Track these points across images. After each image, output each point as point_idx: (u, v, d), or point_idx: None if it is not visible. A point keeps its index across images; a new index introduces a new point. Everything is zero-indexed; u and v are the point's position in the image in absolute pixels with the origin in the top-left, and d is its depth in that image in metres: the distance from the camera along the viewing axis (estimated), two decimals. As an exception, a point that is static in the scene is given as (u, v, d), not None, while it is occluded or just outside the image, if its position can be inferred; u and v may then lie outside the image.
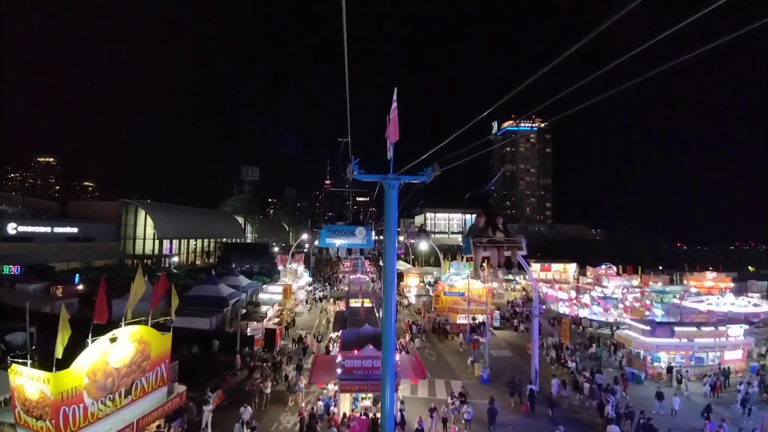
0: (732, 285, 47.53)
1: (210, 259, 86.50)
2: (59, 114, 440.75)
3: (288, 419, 19.84)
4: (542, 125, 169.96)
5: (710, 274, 50.90)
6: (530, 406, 21.21)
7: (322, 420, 18.71)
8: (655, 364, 26.59)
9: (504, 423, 19.53)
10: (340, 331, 24.76)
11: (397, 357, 18.70)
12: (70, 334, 11.98)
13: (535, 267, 59.18)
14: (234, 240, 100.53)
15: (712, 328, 27.60)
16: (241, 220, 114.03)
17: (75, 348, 11.95)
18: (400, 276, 53.94)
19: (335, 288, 61.38)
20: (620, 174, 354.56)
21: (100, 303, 13.03)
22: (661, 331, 26.74)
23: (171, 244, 79.29)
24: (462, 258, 52.90)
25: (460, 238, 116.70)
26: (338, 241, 12.48)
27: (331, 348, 28.10)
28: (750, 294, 43.46)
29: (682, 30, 4.84)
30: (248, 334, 29.90)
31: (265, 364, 25.69)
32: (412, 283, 54.63)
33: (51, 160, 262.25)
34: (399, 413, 17.97)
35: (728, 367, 26.05)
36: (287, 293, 41.41)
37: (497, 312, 40.70)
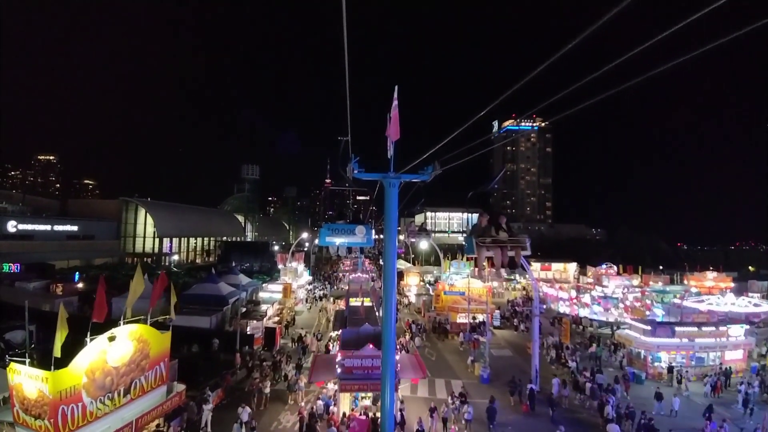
0: (732, 285, 47.46)
1: (210, 258, 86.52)
2: (60, 112, 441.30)
3: (287, 418, 19.80)
4: (543, 125, 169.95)
5: (711, 274, 50.81)
6: (530, 405, 21.17)
7: (321, 419, 18.67)
8: (656, 364, 26.54)
9: (504, 422, 19.49)
10: (340, 330, 24.72)
11: (397, 356, 18.66)
12: (69, 332, 11.95)
13: (536, 266, 59.10)
14: (234, 238, 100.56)
15: (713, 328, 27.55)
16: (241, 218, 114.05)
17: (74, 347, 11.91)
18: (401, 275, 53.88)
19: (335, 287, 61.33)
20: (620, 174, 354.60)
21: (99, 301, 12.99)
22: (662, 331, 26.69)
23: (171, 242, 79.32)
24: (462, 257, 52.88)
25: (460, 237, 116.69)
26: (338, 240, 12.44)
27: (330, 347, 28.06)
28: (750, 294, 43.40)
29: (682, 30, 4.80)
30: (248, 332, 29.86)
31: (264, 364, 25.65)
32: (412, 282, 54.58)
33: (51, 158, 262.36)
34: (399, 413, 17.93)
35: (729, 367, 26.00)
36: (287, 292, 41.35)
37: (497, 311, 40.64)
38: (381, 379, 11.08)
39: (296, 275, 50.71)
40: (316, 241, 55.58)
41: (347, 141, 11.62)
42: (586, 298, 40.48)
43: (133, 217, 75.82)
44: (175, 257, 77.78)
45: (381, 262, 17.09)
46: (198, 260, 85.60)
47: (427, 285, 55.42)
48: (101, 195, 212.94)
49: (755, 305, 37.67)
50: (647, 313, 34.92)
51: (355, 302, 31.66)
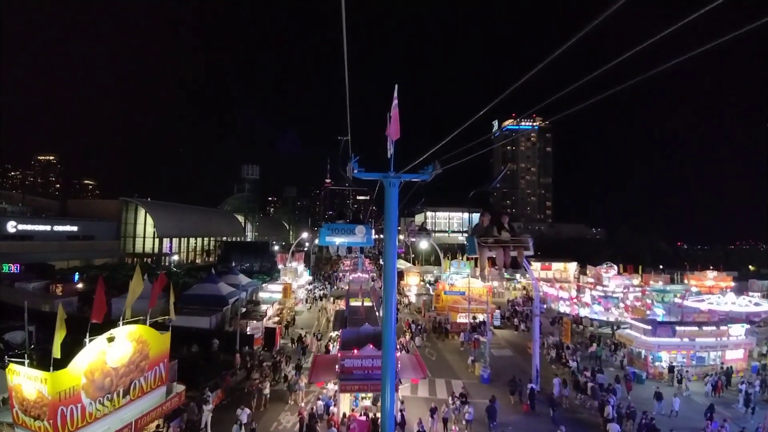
0: (733, 284, 47.43)
1: (210, 258, 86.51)
2: (60, 112, 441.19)
3: (288, 419, 19.76)
4: (543, 124, 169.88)
5: (711, 274, 50.76)
6: (531, 405, 21.14)
7: (321, 420, 18.64)
8: (657, 363, 26.51)
9: (505, 422, 19.44)
10: (340, 330, 24.68)
11: (397, 356, 18.62)
12: (69, 333, 11.92)
13: (536, 266, 59.00)
14: (234, 238, 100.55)
15: (714, 328, 27.52)
16: (241, 218, 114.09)
17: (74, 347, 11.89)
18: (401, 275, 53.84)
19: (335, 287, 61.29)
20: (620, 173, 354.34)
21: (98, 302, 12.95)
22: (663, 331, 26.65)
23: (171, 242, 79.30)
24: (463, 257, 52.82)
25: (460, 236, 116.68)
26: (338, 240, 12.40)
27: (330, 347, 28.02)
28: (751, 293, 43.36)
29: (682, 29, 4.77)
30: (248, 333, 29.82)
31: (264, 364, 25.61)
32: (412, 282, 54.54)
33: (51, 158, 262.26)
34: (399, 413, 17.89)
35: (731, 367, 25.97)
36: (287, 292, 41.32)
37: (498, 311, 40.61)
38: (381, 379, 11.03)
39: (296, 275, 50.68)
40: (316, 241, 55.58)
41: (347, 140, 11.57)
42: (586, 298, 40.44)
43: (133, 218, 75.80)
44: (175, 257, 77.75)
45: (381, 262, 17.07)
46: (198, 260, 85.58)
47: (428, 285, 55.38)
48: (101, 195, 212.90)
49: (756, 304, 37.62)
50: (648, 312, 34.87)
51: (355, 302, 31.61)
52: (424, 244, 69.04)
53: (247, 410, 18.32)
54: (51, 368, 11.04)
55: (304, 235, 73.13)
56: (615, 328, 34.71)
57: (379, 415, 15.79)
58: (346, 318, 28.72)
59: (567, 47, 5.42)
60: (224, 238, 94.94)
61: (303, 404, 20.59)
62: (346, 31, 5.80)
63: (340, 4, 5.22)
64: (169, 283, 17.42)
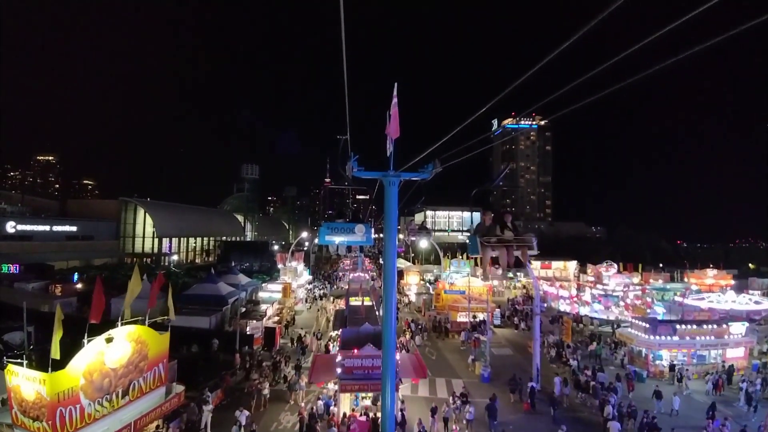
0: (733, 282, 47.38)
1: (210, 258, 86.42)
2: (59, 112, 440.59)
3: (288, 419, 19.71)
4: (542, 123, 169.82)
5: (711, 272, 50.69)
6: (531, 403, 21.10)
7: (322, 420, 18.58)
8: (657, 362, 26.48)
9: (506, 422, 19.39)
10: (340, 329, 24.62)
11: (398, 356, 18.56)
12: (68, 334, 11.86)
13: (536, 264, 58.94)
14: (234, 238, 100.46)
15: (715, 326, 27.48)
16: (240, 218, 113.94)
17: (73, 348, 11.83)
18: (401, 274, 53.79)
19: (335, 286, 61.20)
20: (620, 172, 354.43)
21: (96, 302, 12.89)
22: (664, 329, 26.60)
23: (170, 242, 79.21)
24: (463, 256, 52.74)
25: (460, 236, 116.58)
26: (338, 239, 12.37)
27: (330, 347, 27.97)
28: (751, 291, 43.32)
29: (681, 27, 4.73)
30: (248, 332, 29.77)
31: (264, 364, 25.55)
32: (412, 281, 54.50)
33: (51, 158, 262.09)
34: (399, 413, 17.84)
35: (732, 365, 25.93)
36: (287, 292, 41.27)
37: (498, 310, 40.58)
38: (381, 379, 10.98)
39: (296, 275, 50.62)
40: (316, 240, 55.48)
41: (346, 140, 11.52)
42: (586, 296, 40.39)
43: (133, 218, 75.69)
44: (175, 257, 77.68)
45: (381, 261, 17.03)
46: (197, 260, 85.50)
47: (428, 284, 55.33)
48: (100, 195, 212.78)
49: (756, 303, 37.57)
50: (648, 311, 34.83)
51: (355, 301, 31.54)
52: (423, 243, 68.95)
53: (246, 412, 18.23)
54: (49, 369, 10.99)
55: (304, 234, 73.07)
56: (615, 326, 34.68)
57: (379, 414, 15.75)
58: (346, 317, 28.66)
59: (567, 46, 5.38)
60: (224, 238, 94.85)
61: (303, 404, 20.54)
62: (345, 30, 5.76)
63: (339, 3, 5.18)
64: (168, 283, 17.36)
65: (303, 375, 22.51)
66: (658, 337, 26.42)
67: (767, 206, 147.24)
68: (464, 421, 18.93)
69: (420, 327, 36.18)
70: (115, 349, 12.71)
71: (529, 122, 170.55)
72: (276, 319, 36.20)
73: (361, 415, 18.56)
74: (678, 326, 26.97)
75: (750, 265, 76.05)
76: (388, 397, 10.82)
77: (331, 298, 48.03)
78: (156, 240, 76.13)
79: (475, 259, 44.76)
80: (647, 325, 27.29)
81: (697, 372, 25.96)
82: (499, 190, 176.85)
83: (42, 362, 11.83)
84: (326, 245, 13.27)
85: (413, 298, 49.83)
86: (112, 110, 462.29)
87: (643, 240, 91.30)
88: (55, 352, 11.45)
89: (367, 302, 31.39)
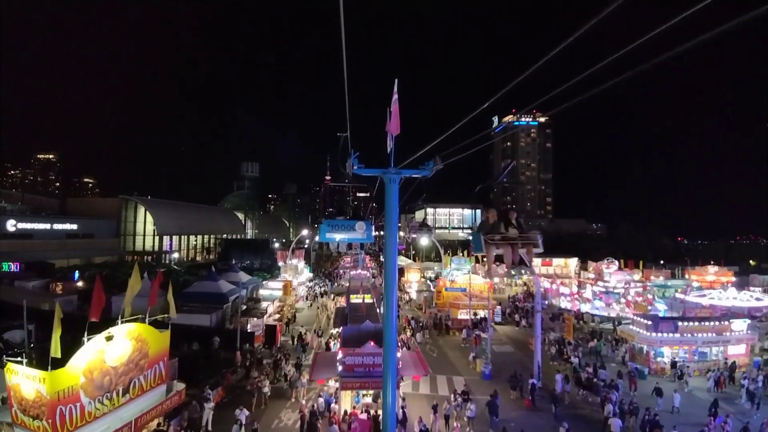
0: (734, 279, 47.32)
1: (210, 256, 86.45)
2: (59, 111, 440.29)
3: (289, 416, 19.70)
4: (543, 120, 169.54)
5: (712, 269, 50.59)
6: (532, 400, 21.08)
7: (323, 417, 18.56)
8: (659, 359, 26.45)
9: (507, 419, 19.35)
10: (341, 327, 24.60)
11: (399, 353, 18.53)
12: (69, 332, 11.84)
13: (536, 262, 58.83)
14: (234, 236, 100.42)
15: (716, 323, 27.44)
16: (241, 216, 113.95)
17: (74, 346, 11.80)
18: (401, 271, 53.76)
19: (336, 284, 61.21)
20: (621, 169, 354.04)
21: (96, 300, 12.85)
22: (665, 327, 26.57)
23: (171, 240, 79.17)
24: (463, 253, 52.70)
25: (461, 233, 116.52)
26: (338, 236, 12.33)
27: (331, 344, 27.95)
28: (752, 288, 43.27)
29: (681, 24, 4.68)
30: (248, 330, 29.78)
31: (265, 362, 25.53)
32: (413, 279, 54.48)
33: (51, 156, 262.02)
34: (400, 410, 17.82)
35: (735, 362, 25.90)
36: (287, 289, 41.26)
37: (498, 307, 40.57)
38: (382, 376, 10.94)
39: (296, 272, 50.62)
40: (317, 238, 55.47)
41: (346, 137, 11.45)
42: (587, 293, 40.36)
43: (133, 216, 75.65)
44: (176, 255, 77.70)
45: (382, 259, 16.99)
46: (198, 258, 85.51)
47: (428, 281, 55.32)
48: (101, 193, 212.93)
49: (757, 299, 37.53)
50: (649, 307, 34.81)
51: (355, 299, 31.51)
52: (424, 241, 68.90)
53: (246, 411, 18.16)
54: (49, 367, 10.95)
55: (304, 232, 73.02)
56: (616, 323, 34.66)
57: (380, 412, 15.73)
58: (346, 315, 28.64)
59: (567, 44, 5.32)
60: (224, 236, 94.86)
61: (304, 401, 20.53)
62: (345, 27, 5.69)
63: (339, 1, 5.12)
64: (169, 280, 17.32)
65: (304, 372, 22.49)
66: (659, 334, 26.38)
67: (767, 203, 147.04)
68: (465, 419, 18.90)
69: (421, 324, 36.18)
70: (116, 347, 12.68)
71: (527, 120, 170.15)
72: (277, 316, 36.23)
73: (362, 412, 18.53)
74: (679, 323, 26.94)
75: (751, 261, 75.96)
76: (389, 394, 10.78)
77: (332, 296, 48.03)
78: (156, 238, 76.11)
79: (476, 256, 44.69)
80: (649, 322, 27.25)
81: (699, 369, 25.93)
82: (500, 187, 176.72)
83: (42, 360, 11.80)
84: (327, 243, 13.23)
85: (414, 295, 49.84)
86: (113, 108, 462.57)
87: (644, 237, 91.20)
88: (55, 351, 11.41)
89: (368, 300, 31.36)
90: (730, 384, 24.10)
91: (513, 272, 59.26)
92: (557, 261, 62.76)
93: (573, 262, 62.45)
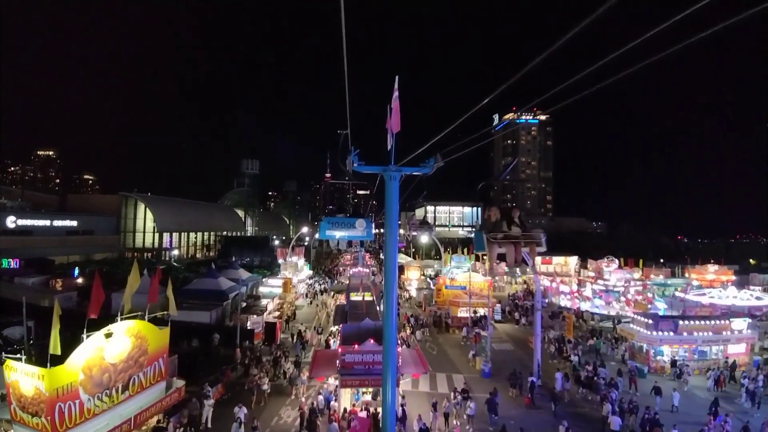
0: (734, 278, 47.30)
1: (210, 253, 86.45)
2: (59, 108, 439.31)
3: (288, 413, 19.71)
4: (543, 117, 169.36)
5: (712, 267, 50.55)
6: (531, 398, 21.07)
7: (322, 414, 18.56)
8: (658, 357, 26.44)
9: (507, 417, 19.35)
10: (341, 324, 24.58)
11: (398, 351, 18.49)
12: (68, 329, 11.82)
13: (536, 260, 58.76)
14: (234, 233, 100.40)
15: (716, 322, 27.42)
16: (241, 213, 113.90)
17: (72, 343, 11.77)
18: (401, 269, 53.74)
19: (336, 281, 61.25)
20: (621, 167, 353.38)
21: (95, 297, 12.82)
22: (665, 325, 26.55)
23: (171, 237, 79.14)
24: (463, 251, 52.69)
25: (461, 231, 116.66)
26: (338, 233, 12.29)
27: (331, 342, 27.95)
28: (752, 287, 43.22)
29: (680, 23, 4.64)
30: (248, 327, 29.79)
31: (265, 359, 25.53)
32: (413, 277, 54.47)
33: (51, 153, 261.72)
34: (400, 408, 17.81)
35: (735, 361, 25.89)
36: (287, 287, 41.25)
37: (498, 305, 40.56)
38: (382, 374, 10.92)
39: (296, 270, 50.61)
40: (317, 236, 55.44)
41: (347, 134, 11.41)
42: (587, 292, 40.33)
43: (133, 212, 75.62)
44: (175, 252, 77.69)
45: (382, 256, 16.95)
46: (198, 255, 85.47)
47: (428, 279, 55.32)
48: (101, 190, 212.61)
49: (757, 298, 37.50)
50: (649, 306, 34.78)
51: (355, 297, 31.52)
52: (424, 239, 68.94)
53: (245, 408, 18.11)
54: (48, 364, 10.93)
55: (304, 229, 73.05)
56: (616, 322, 34.65)
57: (380, 410, 15.72)
58: (346, 313, 28.65)
59: (564, 41, 5.29)
60: (224, 233, 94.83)
61: (304, 399, 20.53)
62: (345, 25, 5.64)
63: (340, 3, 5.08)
64: (168, 277, 17.29)
65: (304, 370, 22.48)
66: (659, 333, 26.37)
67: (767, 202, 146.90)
68: (465, 416, 18.91)
69: (421, 322, 36.19)
70: (115, 344, 12.65)
71: (526, 118, 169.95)
72: (276, 314, 36.23)
73: (361, 410, 18.52)
74: (679, 322, 26.93)
75: (751, 260, 75.85)
76: (389, 392, 10.76)
77: (332, 293, 48.07)
78: (156, 235, 76.07)
79: (476, 254, 44.65)
80: (648, 321, 27.24)
81: (699, 368, 25.92)
82: (501, 185, 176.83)
83: (41, 357, 11.77)
84: (327, 240, 13.19)
85: (414, 293, 49.83)
86: (113, 107, 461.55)
87: (644, 235, 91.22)
88: (54, 348, 11.39)
89: (368, 297, 31.36)
90: (731, 383, 24.08)
91: (518, 269, 59.29)
92: (557, 259, 62.70)
93: (573, 261, 62.40)
